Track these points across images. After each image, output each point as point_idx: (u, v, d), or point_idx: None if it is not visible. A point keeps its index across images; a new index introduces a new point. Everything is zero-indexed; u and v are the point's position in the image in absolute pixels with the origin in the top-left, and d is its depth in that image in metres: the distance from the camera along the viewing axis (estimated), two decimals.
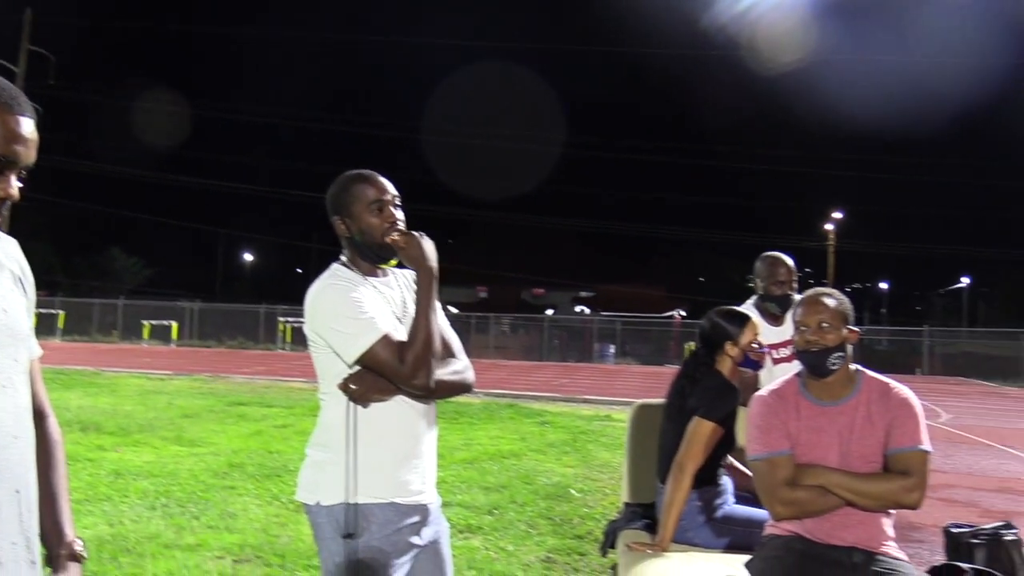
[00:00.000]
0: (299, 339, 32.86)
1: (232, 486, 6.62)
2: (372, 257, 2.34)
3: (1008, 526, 3.99)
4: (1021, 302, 48.04)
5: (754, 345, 3.56)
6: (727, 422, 3.41)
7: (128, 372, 18.18)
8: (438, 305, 2.31)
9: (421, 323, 2.22)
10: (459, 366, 2.37)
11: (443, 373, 2.27)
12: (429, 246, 2.29)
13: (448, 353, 2.36)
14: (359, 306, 2.21)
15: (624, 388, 19.36)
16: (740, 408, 3.71)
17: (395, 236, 2.29)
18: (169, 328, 34.23)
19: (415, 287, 2.39)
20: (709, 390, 3.45)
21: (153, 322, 34.38)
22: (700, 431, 3.34)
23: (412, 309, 2.36)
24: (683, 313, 40.22)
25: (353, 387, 2.20)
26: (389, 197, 2.33)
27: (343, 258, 2.38)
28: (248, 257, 69.66)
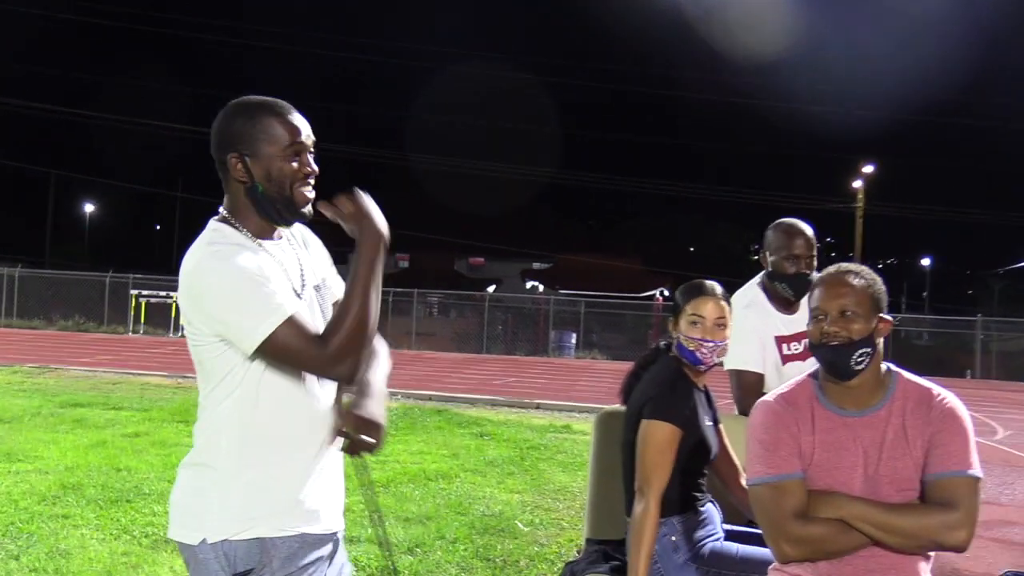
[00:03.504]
0: (158, 319, 32.52)
1: (65, 514, 6.54)
2: (273, 214, 2.32)
3: None
4: None
5: (694, 326, 3.53)
6: (688, 422, 3.43)
7: None
8: (380, 280, 2.28)
9: (357, 299, 2.19)
10: (383, 351, 2.39)
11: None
12: (374, 204, 2.28)
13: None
14: (257, 280, 2.18)
15: (589, 390, 19.50)
16: (740, 418, 3.77)
17: (311, 192, 2.30)
18: None
19: (311, 248, 2.40)
20: (657, 383, 3.49)
21: None
22: (653, 437, 3.37)
23: (311, 279, 2.36)
24: (667, 292, 40.57)
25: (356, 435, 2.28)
26: (309, 142, 2.32)
27: (223, 211, 2.35)
28: (89, 208, 68.33)
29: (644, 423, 3.40)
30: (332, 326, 2.18)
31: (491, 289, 48.00)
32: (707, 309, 3.52)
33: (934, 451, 2.67)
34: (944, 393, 2.75)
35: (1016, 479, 10.77)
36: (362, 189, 2.22)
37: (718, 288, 3.63)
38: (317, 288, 2.38)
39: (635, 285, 45.86)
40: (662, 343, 3.72)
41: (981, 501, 2.68)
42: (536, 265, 57.36)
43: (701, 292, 3.56)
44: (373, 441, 2.24)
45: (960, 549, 2.65)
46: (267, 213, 2.31)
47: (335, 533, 2.38)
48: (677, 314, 3.58)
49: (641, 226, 67.12)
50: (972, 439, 2.70)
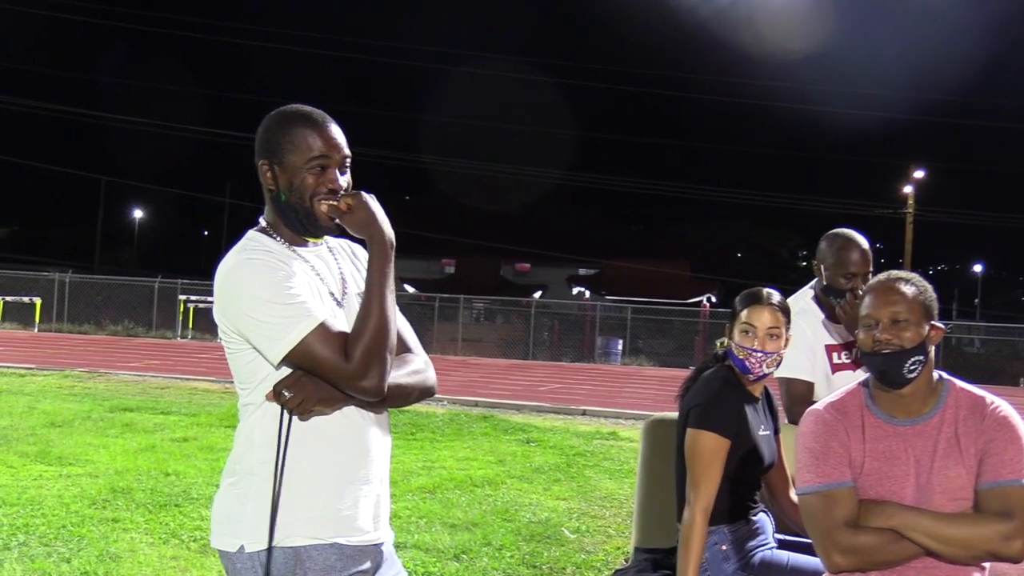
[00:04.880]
0: (205, 324, 32.79)
1: (115, 518, 6.61)
2: (296, 224, 2.33)
3: None
4: None
5: (745, 335, 3.50)
6: (736, 431, 3.42)
7: None
8: (393, 285, 2.30)
9: (374, 308, 2.21)
10: (418, 364, 2.38)
11: (399, 374, 2.28)
12: (380, 210, 2.29)
13: (403, 348, 2.36)
14: (287, 287, 2.19)
15: (635, 397, 19.45)
16: (790, 426, 3.75)
17: (332, 202, 2.27)
18: (31, 307, 33.98)
19: (360, 260, 2.40)
20: (705, 393, 3.48)
21: (8, 298, 34.09)
22: (699, 447, 3.36)
23: (353, 289, 2.37)
24: (714, 299, 40.38)
25: (288, 395, 2.18)
26: (339, 156, 2.32)
27: (263, 221, 2.37)
28: (138, 214, 69.06)
29: (690, 431, 3.41)
30: (353, 338, 2.18)
31: (537, 295, 48.02)
32: (760, 318, 3.50)
33: (987, 460, 2.65)
34: (997, 401, 2.73)
35: None
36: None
37: (776, 296, 3.60)
38: (360, 295, 2.38)
39: (682, 291, 45.75)
40: (720, 350, 3.70)
41: None
42: (582, 271, 57.31)
43: (757, 300, 3.54)
44: (291, 395, 2.17)
45: (1017, 560, 2.63)
46: (291, 223, 2.33)
47: (378, 544, 2.35)
48: (733, 321, 3.57)
49: (688, 231, 66.82)
50: None
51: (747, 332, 3.49)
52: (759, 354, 3.48)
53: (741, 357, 3.50)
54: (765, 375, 3.55)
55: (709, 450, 3.36)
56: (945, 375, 2.82)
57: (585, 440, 11.85)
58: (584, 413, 15.79)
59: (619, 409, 16.20)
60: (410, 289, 42.57)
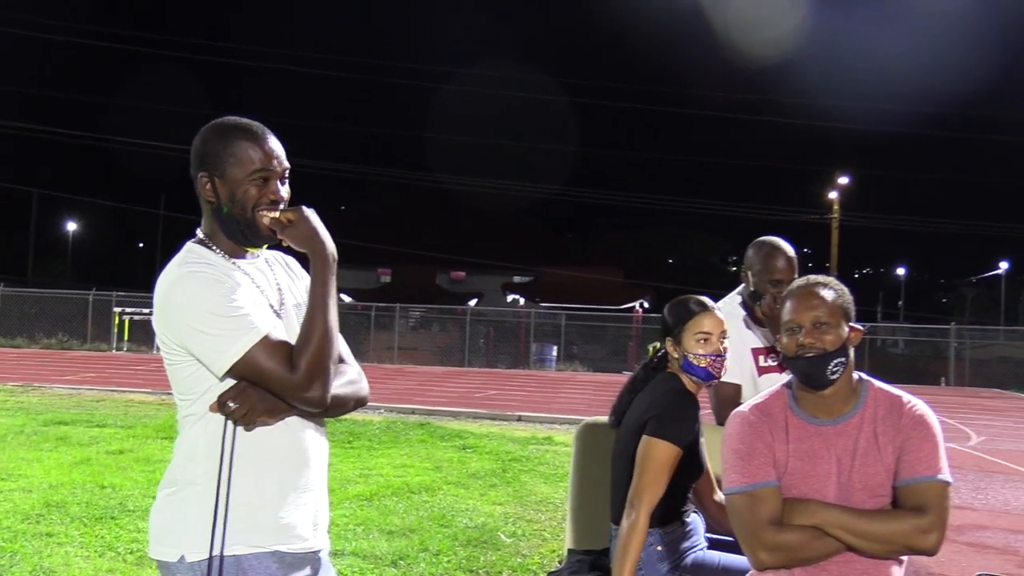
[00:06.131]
0: (140, 336, 32.38)
1: (49, 533, 6.51)
2: (237, 235, 2.33)
3: None
4: None
5: (702, 343, 3.54)
6: (688, 442, 3.47)
7: None
8: (336, 298, 2.31)
9: (318, 321, 2.22)
10: (352, 374, 2.38)
11: (336, 385, 2.28)
12: (320, 224, 2.29)
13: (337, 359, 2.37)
14: (231, 300, 2.19)
15: (570, 402, 19.53)
16: (716, 428, 3.80)
17: (274, 214, 2.28)
18: None
19: (294, 271, 2.41)
20: (657, 402, 3.52)
21: None
22: (653, 455, 3.40)
23: (290, 300, 2.37)
24: (647, 304, 40.64)
25: (233, 406, 2.18)
26: (280, 168, 2.32)
27: (199, 233, 2.36)
28: (71, 226, 68.00)
29: (647, 440, 3.42)
30: (298, 350, 2.19)
31: (472, 303, 47.98)
32: (714, 324, 3.56)
33: (904, 457, 2.71)
34: (914, 400, 2.79)
35: (989, 484, 10.85)
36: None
37: (710, 301, 3.68)
38: (297, 307, 2.38)
39: (615, 297, 45.94)
40: (654, 360, 3.74)
41: (953, 506, 2.73)
42: (517, 278, 57.36)
43: (704, 308, 3.59)
44: (236, 407, 2.18)
45: (931, 553, 2.69)
46: (232, 234, 2.33)
47: (317, 551, 2.36)
48: (677, 334, 3.60)
49: (621, 239, 67.22)
50: (941, 445, 2.74)
51: (705, 340, 3.54)
52: (721, 359, 3.55)
53: (704, 365, 3.53)
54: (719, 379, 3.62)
55: (662, 459, 3.39)
56: (864, 376, 2.87)
57: (521, 445, 11.90)
58: (520, 419, 15.84)
59: (554, 414, 16.27)
60: (346, 299, 42.32)
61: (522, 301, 51.76)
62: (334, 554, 2.50)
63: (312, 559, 2.35)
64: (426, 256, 50.63)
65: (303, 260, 2.38)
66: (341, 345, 2.37)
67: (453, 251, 51.26)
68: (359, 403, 2.40)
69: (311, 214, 2.29)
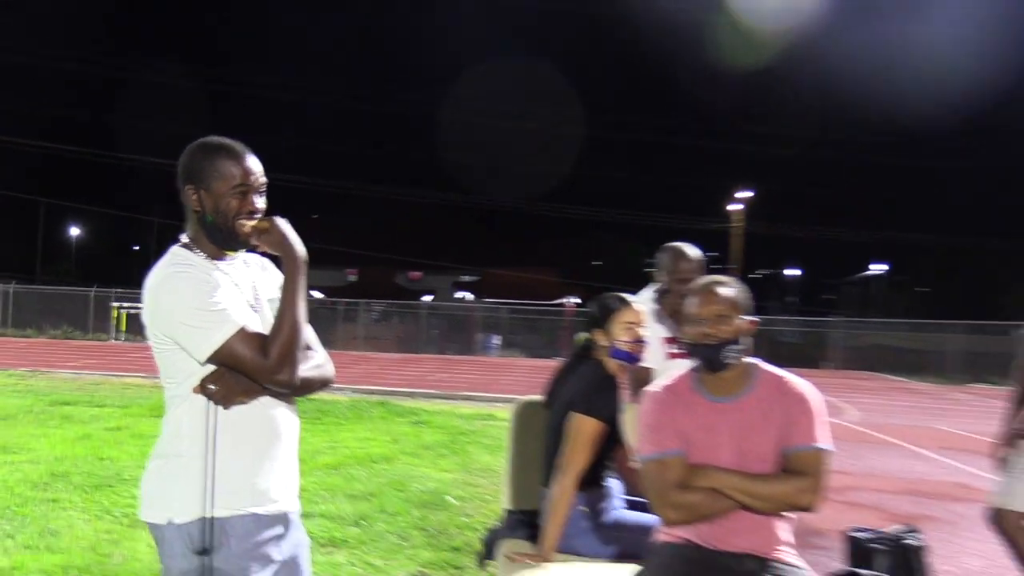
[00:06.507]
0: (135, 327, 31.87)
1: (55, 499, 6.41)
2: (219, 241, 2.33)
3: (912, 530, 4.25)
4: (938, 292, 50.57)
5: (629, 331, 3.63)
6: (611, 418, 3.52)
7: None
8: (305, 295, 2.32)
9: (288, 314, 2.24)
10: (319, 359, 2.39)
11: (304, 368, 2.30)
12: (291, 230, 2.31)
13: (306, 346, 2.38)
14: (212, 296, 2.20)
15: (510, 383, 19.55)
16: (633, 406, 3.84)
17: (252, 223, 2.30)
18: None
19: (269, 271, 2.41)
20: (585, 383, 3.56)
21: None
22: (582, 429, 3.44)
23: (265, 296, 2.38)
24: (577, 300, 40.74)
25: (213, 388, 2.21)
26: (257, 183, 2.33)
27: (184, 238, 2.36)
28: (75, 231, 66.81)
29: (575, 416, 3.46)
30: (271, 339, 2.21)
31: (427, 299, 47.86)
32: (635, 316, 3.64)
33: (788, 429, 2.76)
34: (796, 380, 2.86)
35: (864, 452, 11.06)
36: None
37: (631, 296, 3.77)
38: (271, 302, 2.39)
39: (549, 294, 46.05)
40: (580, 347, 3.77)
41: (832, 470, 2.78)
42: (466, 278, 57.38)
43: (627, 303, 3.67)
44: (216, 388, 2.21)
45: (810, 510, 2.76)
46: (215, 240, 2.33)
47: (288, 513, 2.37)
48: (606, 324, 3.63)
49: (556, 244, 67.32)
50: (820, 418, 2.79)
51: (629, 329, 3.61)
52: (643, 344, 3.65)
53: (632, 351, 3.62)
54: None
55: (589, 433, 3.43)
56: (756, 360, 2.92)
57: (467, 421, 11.90)
58: (467, 398, 15.83)
59: (496, 394, 16.28)
60: (319, 295, 41.99)
61: (470, 297, 51.73)
62: (304, 516, 2.50)
63: (284, 519, 2.36)
64: (388, 259, 50.49)
65: (278, 261, 2.39)
66: (309, 334, 2.38)
67: (411, 254, 51.17)
68: (324, 384, 2.40)
69: (283, 223, 2.31)
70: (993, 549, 4.45)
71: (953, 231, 54.42)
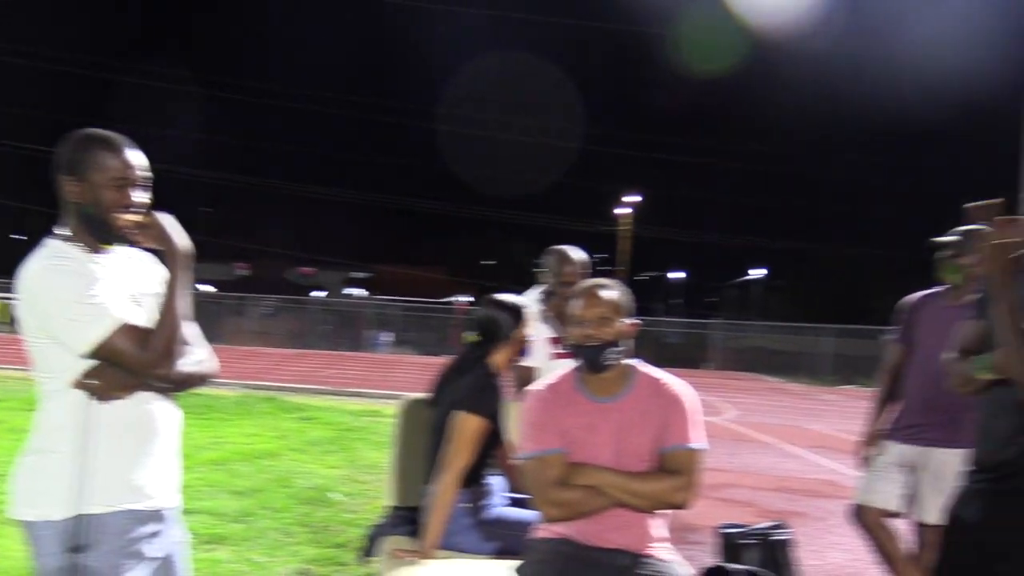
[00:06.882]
0: (9, 319, 30.65)
1: None
2: (97, 233, 2.27)
3: (779, 526, 4.40)
4: (812, 296, 52.23)
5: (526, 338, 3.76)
6: (494, 416, 3.55)
7: None
8: (186, 290, 2.28)
9: (168, 309, 2.22)
10: (201, 355, 2.36)
11: (185, 363, 2.27)
12: (174, 226, 2.28)
13: (188, 342, 2.34)
14: (90, 290, 2.15)
15: (400, 380, 19.45)
16: (517, 404, 3.87)
17: (131, 218, 2.25)
18: None
19: (150, 265, 2.37)
20: (473, 383, 3.58)
21: None
22: (466, 427, 3.45)
23: (147, 290, 2.33)
24: (468, 298, 40.81)
25: (91, 382, 2.16)
26: (137, 176, 2.28)
27: (62, 230, 2.29)
28: None
29: (460, 414, 3.47)
30: (152, 335, 2.18)
31: (319, 294, 47.32)
32: (527, 331, 3.77)
33: (665, 429, 2.83)
34: (674, 381, 2.92)
35: (740, 450, 11.37)
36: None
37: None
38: (154, 296, 2.34)
39: (440, 292, 46.02)
40: (468, 347, 3.79)
41: (708, 468, 2.86)
42: (358, 274, 56.93)
43: (522, 324, 3.73)
44: (94, 383, 2.17)
45: (683, 507, 2.83)
46: (93, 232, 2.27)
47: (164, 510, 2.34)
48: (499, 344, 3.69)
49: (449, 243, 67.31)
50: (695, 418, 2.86)
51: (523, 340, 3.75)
52: (529, 343, 3.80)
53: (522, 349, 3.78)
54: None
55: (473, 431, 3.45)
56: (636, 361, 2.97)
57: (355, 417, 11.79)
58: (355, 394, 15.74)
59: (385, 391, 16.18)
60: (211, 289, 41.09)
61: (363, 293, 51.34)
62: (185, 512, 2.46)
63: (161, 516, 2.32)
64: (281, 254, 49.81)
65: (163, 256, 2.35)
66: (192, 330, 2.34)
67: (304, 249, 50.60)
68: (205, 380, 2.38)
69: (164, 218, 2.27)
70: (857, 544, 4.62)
71: (827, 238, 56.51)
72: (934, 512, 3.73)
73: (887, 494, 4.18)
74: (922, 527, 4.10)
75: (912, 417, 4.17)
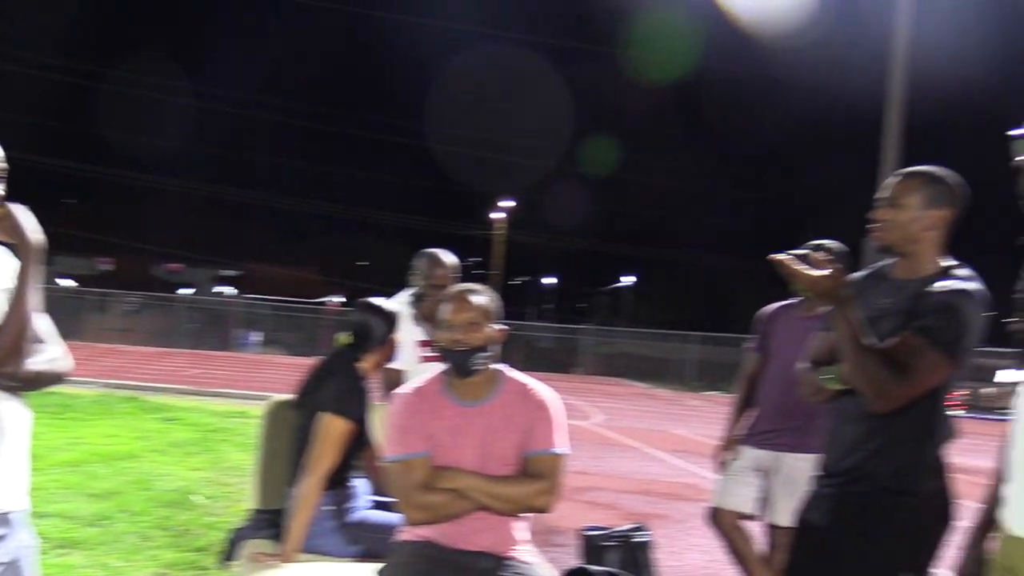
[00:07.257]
0: None
1: None
2: None
3: (640, 528, 4.50)
4: (679, 304, 53.69)
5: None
6: (360, 419, 3.52)
7: None
8: (37, 286, 2.18)
9: (17, 306, 2.11)
10: (54, 353, 2.26)
11: (37, 362, 2.17)
12: (28, 219, 2.16)
13: (41, 339, 2.24)
14: None
15: (268, 381, 19.09)
16: (384, 407, 3.85)
17: None
18: None
19: (1, 257, 2.26)
20: (340, 385, 3.55)
21: None
22: (331, 429, 3.42)
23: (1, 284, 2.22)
24: (341, 299, 40.41)
25: None
26: None
27: None
28: None
29: (326, 416, 3.43)
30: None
31: (186, 291, 46.09)
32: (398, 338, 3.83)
33: (529, 434, 2.85)
34: (539, 387, 2.95)
35: (605, 454, 11.58)
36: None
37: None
38: (5, 292, 2.24)
39: (312, 292, 45.41)
40: (337, 349, 3.75)
41: (573, 471, 2.90)
42: (228, 272, 55.68)
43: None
44: None
45: (545, 511, 2.87)
46: None
47: (10, 513, 2.21)
48: (370, 351, 3.68)
49: (322, 242, 66.49)
50: (559, 423, 2.89)
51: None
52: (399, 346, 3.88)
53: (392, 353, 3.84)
54: None
55: (337, 433, 3.42)
56: (503, 367, 2.99)
57: (220, 418, 11.52)
58: (222, 395, 15.38)
59: (252, 392, 15.84)
60: (71, 283, 39.51)
61: (232, 291, 50.21)
62: (36, 515, 2.35)
63: (6, 519, 2.19)
64: (146, 249, 48.35)
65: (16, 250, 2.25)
66: (45, 327, 2.24)
67: (171, 245, 49.23)
68: (58, 379, 2.27)
69: (18, 210, 2.16)
70: (714, 545, 4.75)
71: (694, 248, 58.06)
72: (785, 515, 3.85)
73: (742, 497, 4.31)
74: (774, 529, 4.25)
75: (766, 423, 4.32)
